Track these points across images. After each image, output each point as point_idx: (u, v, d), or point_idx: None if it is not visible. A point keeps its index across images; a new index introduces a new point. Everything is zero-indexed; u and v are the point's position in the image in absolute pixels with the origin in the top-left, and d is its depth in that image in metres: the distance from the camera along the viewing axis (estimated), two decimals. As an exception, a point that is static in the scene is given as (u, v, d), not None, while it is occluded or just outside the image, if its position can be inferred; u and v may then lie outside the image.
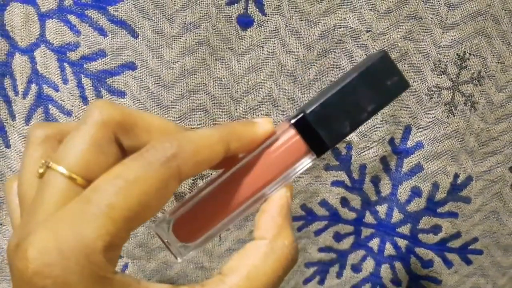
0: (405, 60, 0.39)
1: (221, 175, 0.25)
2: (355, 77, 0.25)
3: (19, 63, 0.37)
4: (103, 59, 0.37)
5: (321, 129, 0.25)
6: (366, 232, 0.45)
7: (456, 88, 0.40)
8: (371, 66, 0.25)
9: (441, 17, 0.38)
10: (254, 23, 0.37)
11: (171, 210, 0.26)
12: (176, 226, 0.25)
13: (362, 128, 0.41)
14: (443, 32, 0.38)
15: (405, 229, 0.44)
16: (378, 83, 0.25)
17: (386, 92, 0.25)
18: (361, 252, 0.46)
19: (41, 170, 0.22)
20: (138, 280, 0.21)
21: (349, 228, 0.45)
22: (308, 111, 0.25)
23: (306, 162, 0.26)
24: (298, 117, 0.25)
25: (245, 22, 0.37)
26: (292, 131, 0.25)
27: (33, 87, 0.38)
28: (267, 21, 0.37)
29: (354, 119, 0.25)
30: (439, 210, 0.43)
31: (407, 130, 0.42)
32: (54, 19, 0.36)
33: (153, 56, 0.37)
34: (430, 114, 0.40)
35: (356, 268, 0.47)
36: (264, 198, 0.25)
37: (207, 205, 0.25)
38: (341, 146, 0.42)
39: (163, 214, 0.25)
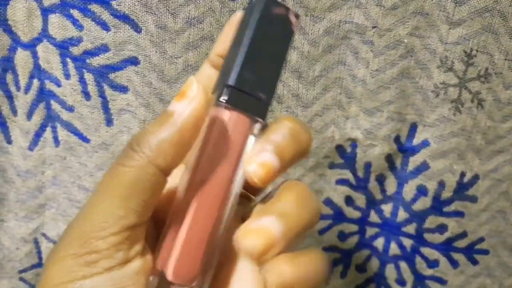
0: (411, 56, 0.39)
1: (183, 196, 0.24)
2: (253, 32, 0.24)
3: (21, 58, 0.37)
4: (105, 54, 0.37)
5: (254, 91, 0.24)
6: (370, 231, 0.45)
7: (463, 85, 0.39)
8: (262, 15, 0.24)
9: (448, 13, 0.37)
10: (259, 18, 0.37)
11: (152, 267, 0.23)
12: (174, 276, 0.23)
13: (367, 125, 0.40)
14: (449, 29, 0.38)
15: (410, 229, 0.44)
16: (275, 25, 0.24)
17: (284, 30, 0.25)
18: (365, 252, 0.46)
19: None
20: None
21: (354, 227, 0.45)
22: (231, 82, 0.23)
23: (256, 131, 0.24)
24: (227, 93, 0.23)
25: (249, 17, 0.37)
26: (226, 111, 0.24)
27: (35, 82, 0.38)
28: (272, 17, 0.37)
29: (272, 68, 0.24)
30: (445, 209, 0.42)
31: (413, 127, 0.41)
32: (56, 14, 0.36)
33: (156, 51, 0.37)
34: (437, 112, 0.40)
35: (360, 268, 0.46)
36: (235, 191, 0.24)
37: (188, 233, 0.23)
38: (346, 144, 0.41)
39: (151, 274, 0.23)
